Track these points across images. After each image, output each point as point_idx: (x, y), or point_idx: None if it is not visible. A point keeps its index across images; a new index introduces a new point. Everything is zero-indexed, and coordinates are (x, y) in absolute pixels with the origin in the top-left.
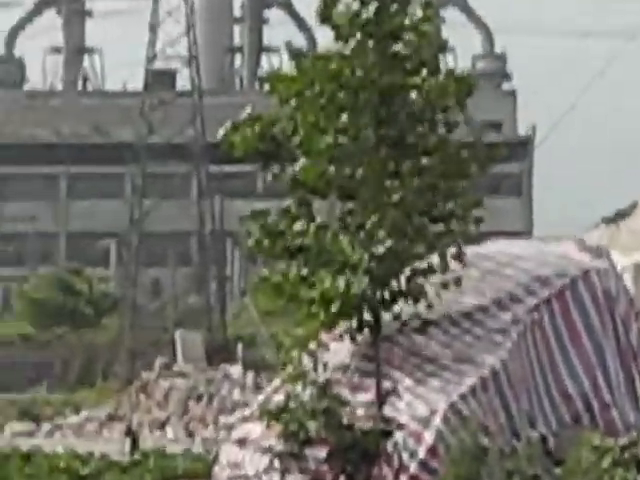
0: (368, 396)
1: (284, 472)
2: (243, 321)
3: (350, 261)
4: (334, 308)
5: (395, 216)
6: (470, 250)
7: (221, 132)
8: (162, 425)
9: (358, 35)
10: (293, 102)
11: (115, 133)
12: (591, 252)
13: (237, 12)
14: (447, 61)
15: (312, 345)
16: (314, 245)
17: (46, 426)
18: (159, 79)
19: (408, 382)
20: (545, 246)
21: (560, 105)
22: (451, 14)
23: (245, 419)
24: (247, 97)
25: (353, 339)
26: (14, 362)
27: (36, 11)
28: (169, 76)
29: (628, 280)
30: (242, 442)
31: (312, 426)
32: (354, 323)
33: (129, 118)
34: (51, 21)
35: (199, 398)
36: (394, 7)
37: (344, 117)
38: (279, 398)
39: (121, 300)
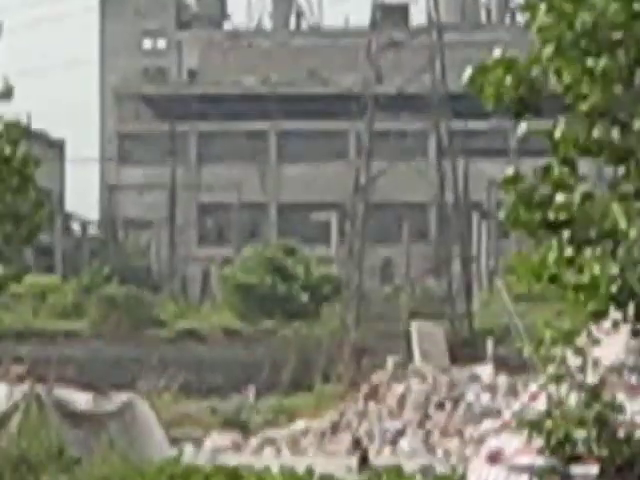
0: None
1: None
2: (493, 311)
3: (626, 237)
4: (605, 295)
5: None
6: None
7: (465, 78)
8: (396, 437)
9: None
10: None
11: (335, 80)
12: None
13: None
14: None
15: (579, 340)
16: (580, 217)
17: (255, 439)
18: (389, 14)
19: None
20: None
21: None
22: None
23: (498, 430)
24: (496, 33)
25: (637, 334)
26: (215, 361)
27: None
28: (401, 10)
29: None
30: (494, 458)
31: (580, 438)
32: (630, 312)
33: (353, 62)
34: None
35: (440, 405)
36: None
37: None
38: (539, 405)
39: (344, 285)
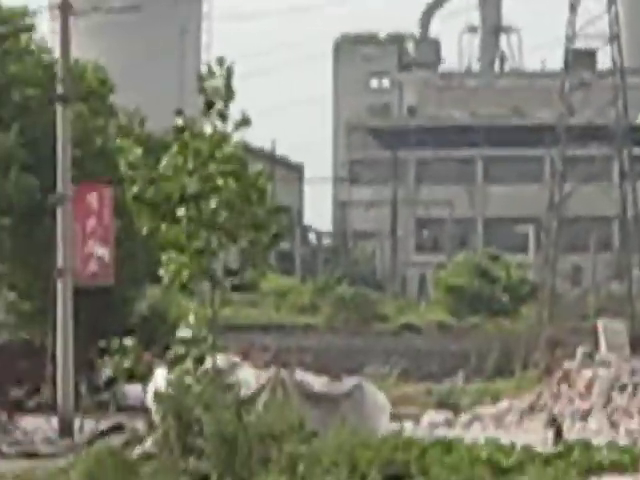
0: None
1: None
2: None
3: None
4: None
5: None
6: None
7: None
8: (585, 416)
9: None
10: None
11: (533, 114)
12: None
13: None
14: None
15: None
16: None
17: (464, 416)
18: (579, 59)
19: None
20: None
21: None
22: None
23: None
24: None
25: None
26: (430, 351)
27: None
28: (589, 56)
29: None
30: None
31: None
32: None
33: (548, 99)
34: (466, 0)
35: (623, 388)
36: None
37: None
38: None
39: (540, 287)
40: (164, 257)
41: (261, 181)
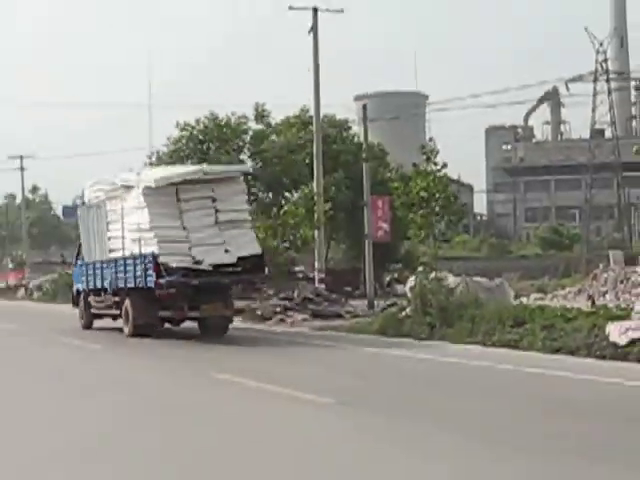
0: None
1: None
2: None
3: None
4: None
5: None
6: None
7: None
8: (604, 294)
9: None
10: None
11: None
12: None
13: None
14: None
15: None
16: None
17: (549, 295)
18: None
19: None
20: None
21: None
22: None
23: None
24: None
25: None
26: (535, 266)
27: None
28: None
29: None
30: None
31: None
32: None
33: None
34: None
35: (622, 281)
36: None
37: None
38: None
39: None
40: (411, 229)
41: (453, 194)
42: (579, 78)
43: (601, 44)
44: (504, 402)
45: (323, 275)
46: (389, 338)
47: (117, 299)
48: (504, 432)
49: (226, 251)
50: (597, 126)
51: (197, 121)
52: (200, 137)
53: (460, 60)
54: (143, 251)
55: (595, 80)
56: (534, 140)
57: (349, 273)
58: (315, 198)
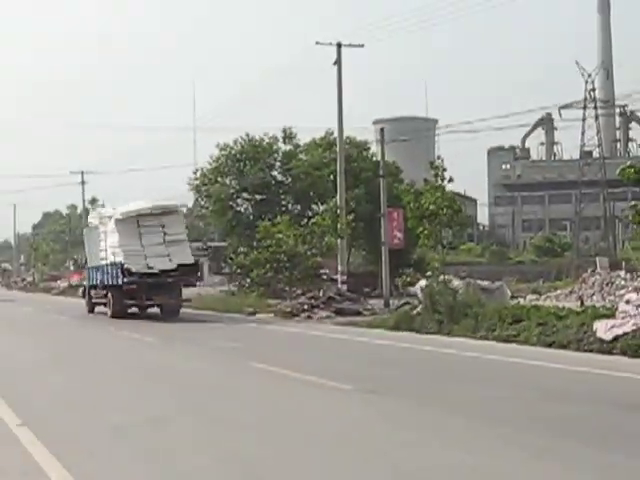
0: None
1: None
2: None
3: None
4: None
5: None
6: None
7: None
8: (591, 295)
9: None
10: None
11: None
12: None
13: None
14: None
15: None
16: None
17: (543, 296)
18: None
19: None
20: None
21: None
22: None
23: None
24: None
25: None
26: (530, 270)
27: None
28: None
29: None
30: None
31: None
32: None
33: None
34: None
35: (607, 284)
36: None
37: None
38: None
39: (574, 244)
40: (421, 239)
41: (459, 207)
42: (570, 105)
43: (589, 75)
44: (509, 390)
45: (345, 277)
46: (402, 332)
47: (104, 292)
48: (509, 415)
49: (170, 260)
50: (586, 148)
51: (235, 142)
52: (237, 156)
53: (466, 89)
54: (116, 260)
55: (584, 107)
56: (530, 159)
57: (368, 276)
58: (339, 211)
